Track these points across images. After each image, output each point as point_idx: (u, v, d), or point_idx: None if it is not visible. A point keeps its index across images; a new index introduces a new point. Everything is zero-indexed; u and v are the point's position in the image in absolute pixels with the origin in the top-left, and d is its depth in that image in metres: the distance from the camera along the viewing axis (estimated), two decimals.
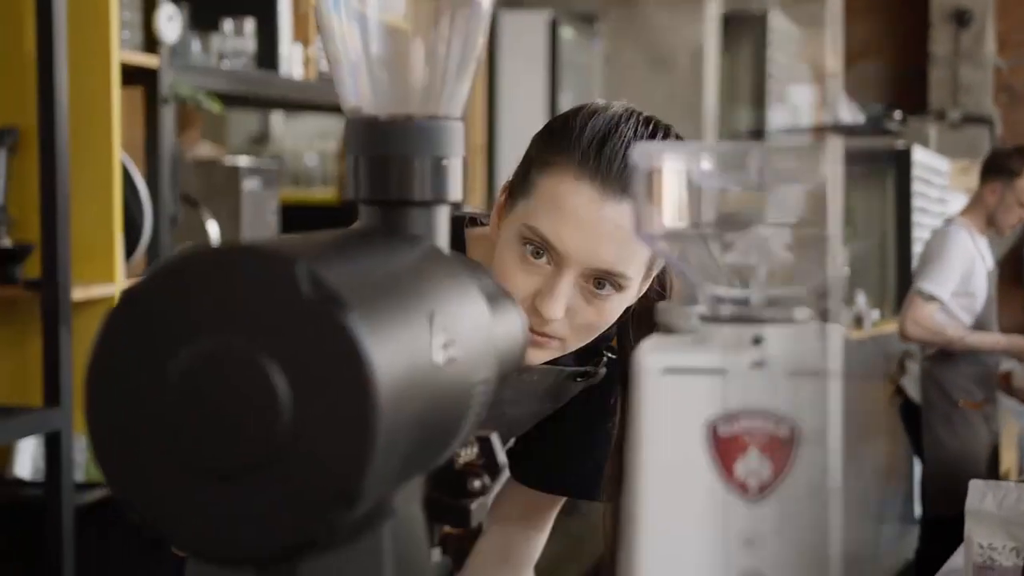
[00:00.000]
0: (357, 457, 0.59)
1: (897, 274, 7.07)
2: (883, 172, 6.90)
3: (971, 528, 1.82)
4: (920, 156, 7.00)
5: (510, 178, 1.30)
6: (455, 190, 0.83)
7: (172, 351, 0.62)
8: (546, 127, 1.29)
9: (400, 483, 0.69)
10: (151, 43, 2.80)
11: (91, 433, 0.64)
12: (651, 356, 0.68)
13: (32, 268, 2.53)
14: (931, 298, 4.25)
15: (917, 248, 7.20)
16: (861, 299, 6.19)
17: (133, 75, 2.77)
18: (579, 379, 1.40)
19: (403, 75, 0.83)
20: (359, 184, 0.82)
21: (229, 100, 3.41)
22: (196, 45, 3.15)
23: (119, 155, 2.65)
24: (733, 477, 0.67)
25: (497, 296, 0.86)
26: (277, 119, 6.10)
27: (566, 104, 6.47)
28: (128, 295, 0.64)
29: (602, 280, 1.22)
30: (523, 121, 4.88)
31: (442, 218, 0.83)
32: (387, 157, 0.81)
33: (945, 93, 9.23)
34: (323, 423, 0.60)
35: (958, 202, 8.47)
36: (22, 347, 2.60)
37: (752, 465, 0.66)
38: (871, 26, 8.69)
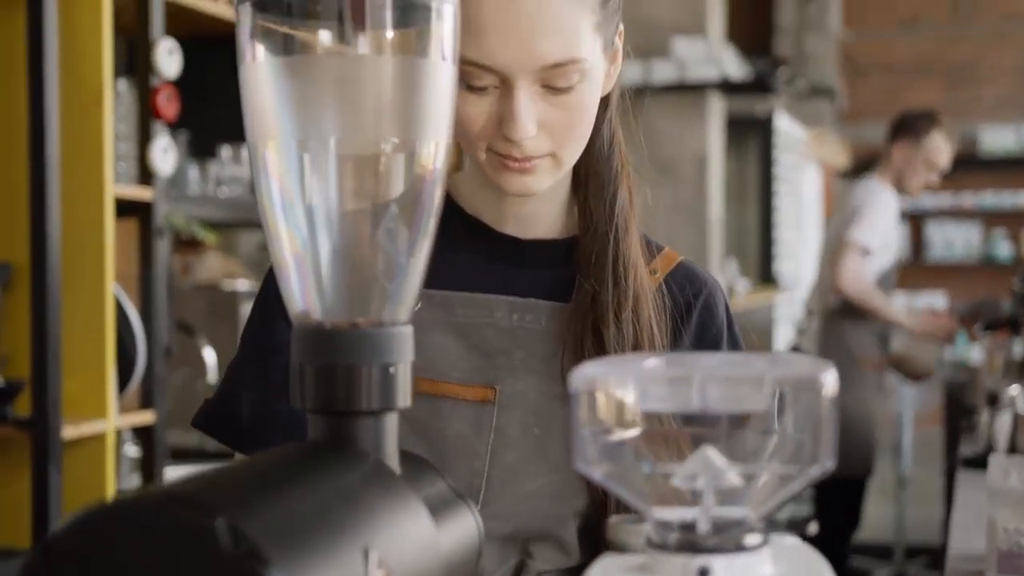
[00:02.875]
0: None
1: (759, 242, 7.08)
2: (746, 138, 6.96)
3: (994, 510, 1.61)
4: (781, 124, 7.05)
5: None
6: (404, 396, 0.81)
7: None
8: None
9: None
10: (146, 174, 2.81)
11: None
12: None
13: (23, 406, 2.51)
14: (865, 250, 4.23)
15: (779, 217, 7.25)
16: (732, 267, 6.19)
17: (128, 207, 2.77)
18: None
19: (348, 282, 0.82)
20: (305, 393, 0.80)
21: (229, 224, 3.42)
22: (194, 172, 3.17)
23: (112, 289, 2.64)
24: None
25: (448, 502, 0.84)
26: None
27: None
28: (46, 546, 0.62)
29: (558, 75, 1.10)
30: None
31: (391, 425, 0.81)
32: (333, 366, 0.79)
33: (790, 63, 9.30)
34: None
35: (812, 171, 8.56)
36: (11, 487, 2.58)
37: None
38: None
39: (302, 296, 0.82)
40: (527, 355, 1.21)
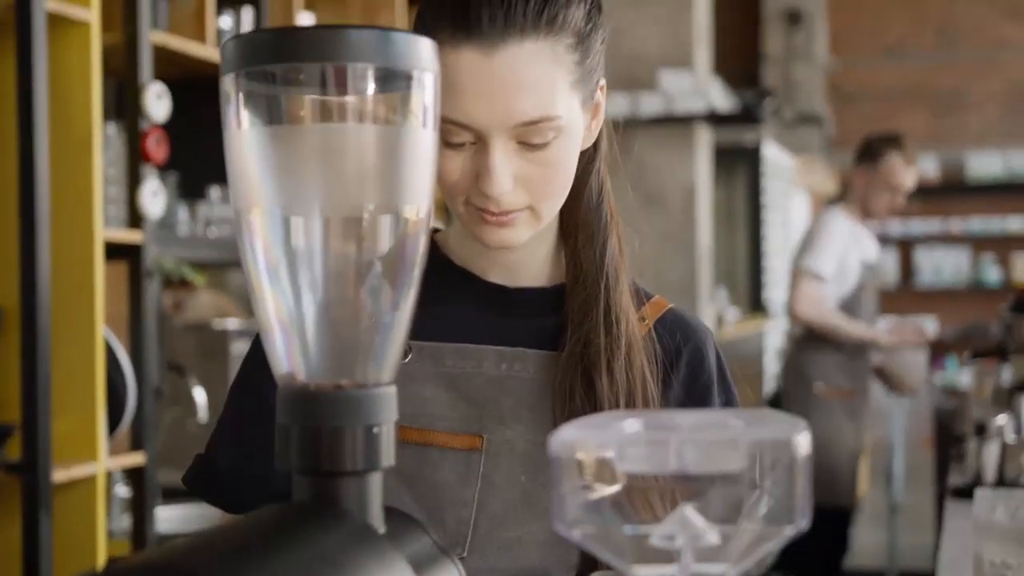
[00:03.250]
0: None
1: (749, 270, 7.12)
2: (735, 167, 7.00)
3: (980, 543, 1.64)
4: (769, 152, 7.10)
5: None
6: (388, 456, 0.82)
7: None
8: (416, 14, 1.17)
9: None
10: (136, 217, 2.82)
11: None
12: None
13: (13, 449, 2.52)
14: (817, 276, 4.27)
15: (768, 245, 7.30)
16: (722, 296, 6.23)
17: (117, 250, 2.79)
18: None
19: (332, 345, 0.83)
20: (290, 454, 0.82)
21: (219, 264, 3.43)
22: (183, 213, 3.18)
23: (102, 332, 2.65)
24: None
25: (433, 558, 0.85)
26: None
27: None
28: None
29: (533, 132, 1.12)
30: None
31: (375, 484, 0.82)
32: (317, 427, 0.81)
33: (778, 92, 9.37)
34: None
35: (801, 199, 8.62)
36: (2, 531, 2.58)
37: None
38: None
39: (287, 358, 0.83)
40: (515, 404, 1.22)
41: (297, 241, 0.82)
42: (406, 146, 0.81)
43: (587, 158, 1.23)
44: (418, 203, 0.83)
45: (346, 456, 0.80)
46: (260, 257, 0.82)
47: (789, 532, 0.70)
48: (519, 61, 1.09)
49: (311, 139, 0.81)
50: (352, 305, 0.83)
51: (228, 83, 0.80)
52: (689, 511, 0.71)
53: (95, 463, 2.63)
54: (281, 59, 0.79)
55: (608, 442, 0.72)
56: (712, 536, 0.71)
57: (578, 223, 1.26)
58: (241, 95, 0.79)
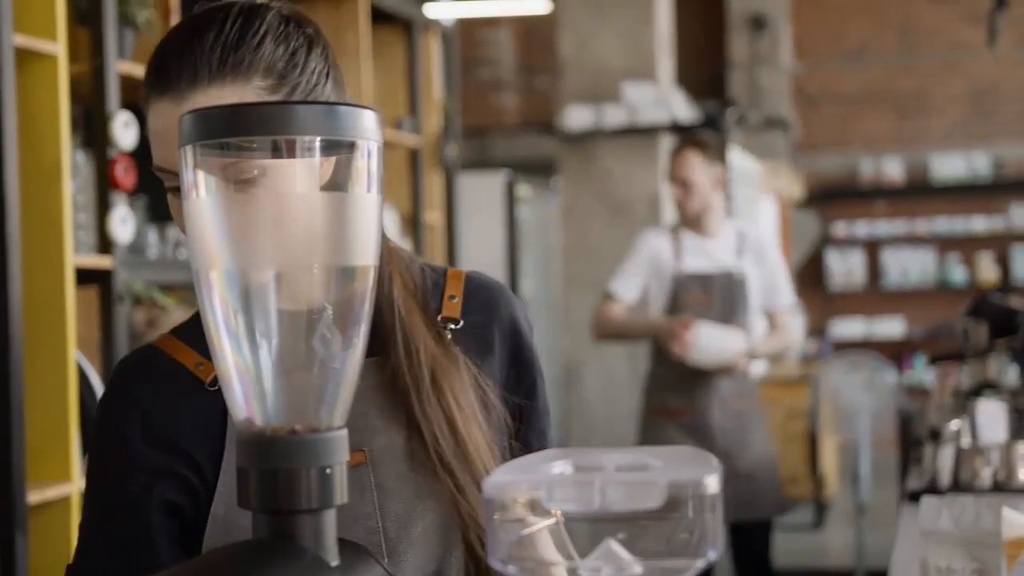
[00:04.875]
0: None
1: None
2: None
3: (927, 549, 1.69)
4: (735, 159, 7.19)
5: None
6: (341, 494, 0.89)
7: None
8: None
9: None
10: (105, 243, 2.87)
11: None
12: None
13: None
14: (609, 296, 4.21)
15: None
16: None
17: (88, 275, 2.84)
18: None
19: (287, 391, 0.90)
20: (249, 494, 0.88)
21: (188, 286, 3.48)
22: (152, 236, 3.24)
23: (74, 356, 2.70)
24: None
25: None
26: None
27: (527, 259, 6.67)
28: None
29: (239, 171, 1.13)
30: None
31: (329, 521, 0.89)
32: (274, 470, 0.87)
33: (743, 97, 9.48)
34: None
35: (767, 203, 8.73)
36: None
37: None
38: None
39: (245, 405, 0.90)
40: (378, 411, 1.28)
41: (252, 296, 0.88)
42: (352, 209, 0.88)
43: None
44: (365, 258, 0.90)
45: (301, 496, 0.87)
46: (219, 312, 0.89)
47: (701, 564, 0.77)
48: (202, 105, 1.17)
49: (263, 205, 0.88)
50: (304, 354, 0.90)
51: (186, 154, 0.86)
52: (614, 545, 0.78)
53: (69, 484, 2.69)
54: (234, 133, 0.85)
55: (538, 484, 0.78)
56: (635, 568, 0.78)
57: None
58: (198, 166, 0.86)
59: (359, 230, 0.89)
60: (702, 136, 4.29)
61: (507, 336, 1.36)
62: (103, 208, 2.86)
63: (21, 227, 2.57)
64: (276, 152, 0.87)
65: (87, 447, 2.82)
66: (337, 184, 0.88)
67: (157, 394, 1.27)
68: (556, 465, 0.81)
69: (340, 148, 0.87)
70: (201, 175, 0.87)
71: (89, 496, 1.29)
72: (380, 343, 1.28)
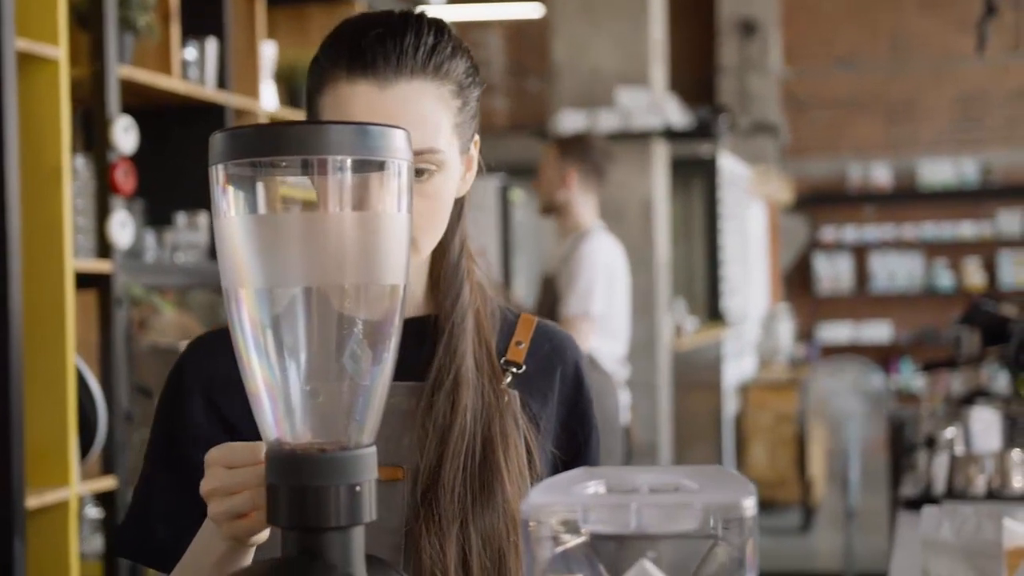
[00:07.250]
0: None
1: (706, 280, 7.23)
2: (691, 179, 7.10)
3: (927, 559, 1.69)
4: (725, 163, 7.22)
5: None
6: (370, 511, 0.89)
7: None
8: (313, 58, 1.27)
9: None
10: (105, 247, 2.87)
11: None
12: None
13: None
14: (575, 317, 3.85)
15: (725, 254, 7.40)
16: (681, 307, 6.30)
17: (87, 279, 2.83)
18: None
19: (316, 410, 0.90)
20: (279, 512, 0.88)
21: (185, 289, 3.48)
22: (151, 240, 3.23)
23: (73, 361, 2.70)
24: None
25: None
26: None
27: (519, 263, 6.67)
28: None
29: (419, 162, 1.19)
30: None
31: (358, 538, 0.89)
32: (304, 487, 0.88)
33: (733, 102, 9.50)
34: None
35: (757, 207, 8.75)
36: None
37: None
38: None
39: (275, 424, 0.90)
40: (419, 435, 1.26)
41: (282, 315, 0.89)
42: (382, 229, 0.88)
43: (456, 213, 1.30)
44: (394, 276, 0.90)
45: (331, 513, 0.87)
46: (248, 332, 0.89)
47: None
48: (408, 96, 1.19)
49: (294, 224, 0.88)
50: (334, 374, 0.90)
51: (216, 173, 0.87)
52: (648, 564, 0.78)
53: (67, 488, 2.68)
54: (266, 153, 0.85)
55: (574, 505, 0.79)
56: None
57: (439, 276, 1.32)
58: (228, 185, 0.86)
59: (389, 248, 0.89)
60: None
61: (569, 388, 1.35)
62: (103, 212, 2.86)
63: (21, 231, 2.57)
64: (306, 172, 0.87)
65: (85, 453, 2.82)
66: (367, 203, 0.88)
67: (219, 371, 1.27)
68: (590, 485, 0.82)
69: (371, 167, 0.88)
70: (230, 194, 0.88)
71: (150, 456, 1.32)
72: (427, 366, 1.28)
